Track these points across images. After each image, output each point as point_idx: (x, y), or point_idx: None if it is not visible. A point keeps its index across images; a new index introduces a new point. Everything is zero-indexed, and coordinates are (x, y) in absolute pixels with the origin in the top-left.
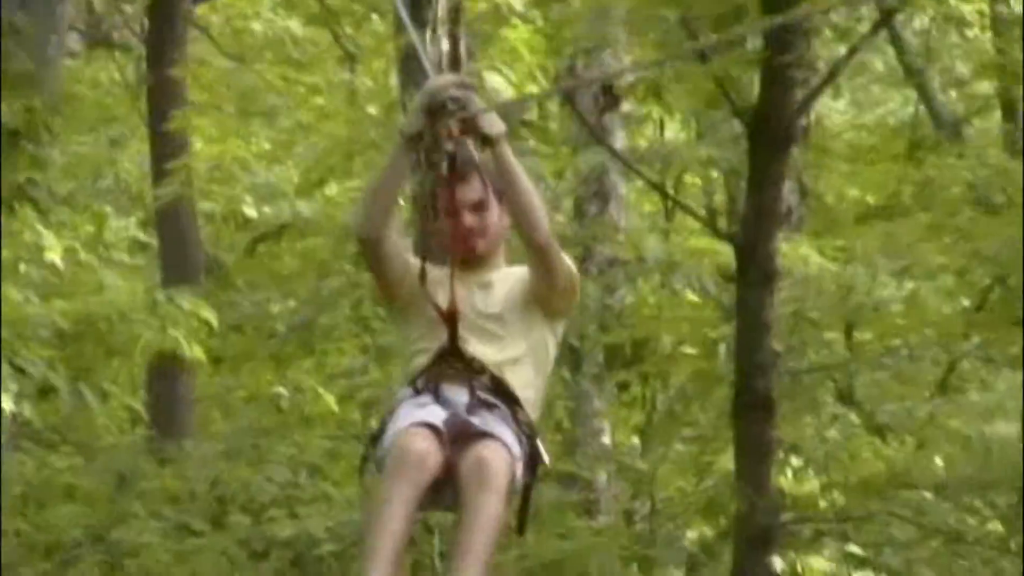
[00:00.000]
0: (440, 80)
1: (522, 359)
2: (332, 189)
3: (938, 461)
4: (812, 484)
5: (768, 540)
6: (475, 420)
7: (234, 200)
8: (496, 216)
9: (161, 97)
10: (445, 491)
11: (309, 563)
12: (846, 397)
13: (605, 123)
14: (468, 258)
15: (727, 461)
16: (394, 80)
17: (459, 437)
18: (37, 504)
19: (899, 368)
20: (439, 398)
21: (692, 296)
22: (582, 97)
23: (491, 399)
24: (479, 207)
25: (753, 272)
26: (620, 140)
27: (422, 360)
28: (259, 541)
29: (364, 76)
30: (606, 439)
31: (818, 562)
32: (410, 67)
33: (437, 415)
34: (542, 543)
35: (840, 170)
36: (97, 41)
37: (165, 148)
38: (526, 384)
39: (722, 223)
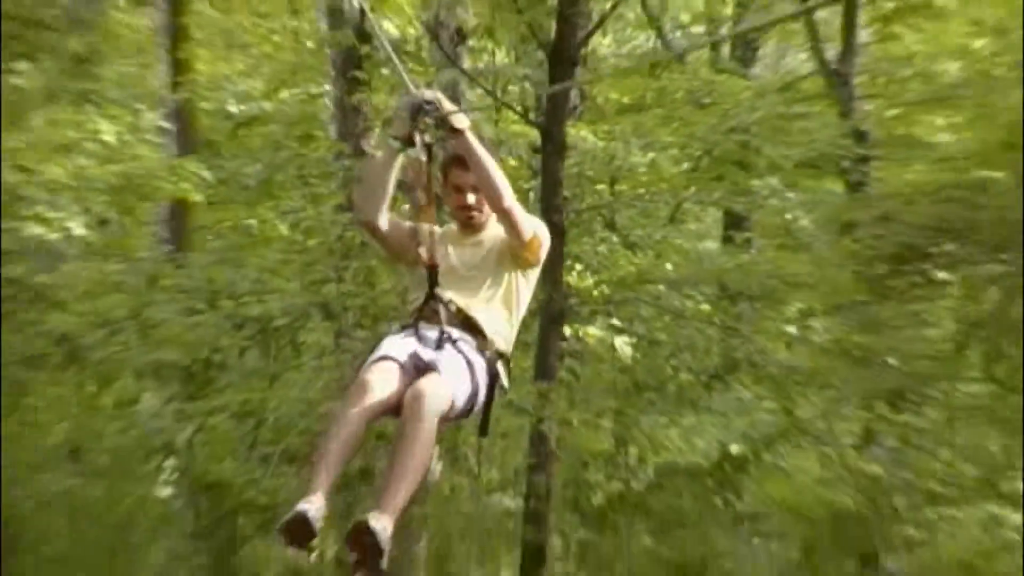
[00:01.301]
0: (417, 91)
1: (494, 301)
2: None
3: (668, 266)
4: (588, 281)
5: (560, 317)
6: (427, 356)
7: None
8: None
9: None
10: None
11: None
12: (610, 225)
13: (457, 51)
14: (467, 224)
15: None
16: None
17: (416, 369)
18: None
19: (644, 207)
20: (417, 334)
21: (513, 162)
22: (442, 34)
23: (460, 333)
24: (477, 188)
25: (551, 146)
26: (466, 62)
27: (415, 306)
28: None
29: None
30: None
31: (592, 332)
32: None
33: (405, 350)
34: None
35: (608, 81)
36: None
37: None
38: (497, 322)
39: (532, 115)
